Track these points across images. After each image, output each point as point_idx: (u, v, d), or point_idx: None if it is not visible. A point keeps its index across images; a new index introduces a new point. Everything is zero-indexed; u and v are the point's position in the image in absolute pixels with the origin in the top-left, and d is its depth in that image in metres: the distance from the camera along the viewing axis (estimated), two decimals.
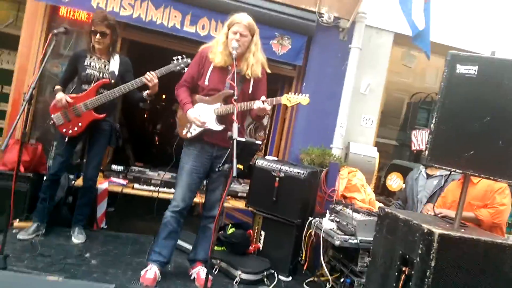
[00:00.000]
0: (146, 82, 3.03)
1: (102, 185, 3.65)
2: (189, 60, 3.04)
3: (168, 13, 4.09)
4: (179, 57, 3.08)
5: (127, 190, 3.76)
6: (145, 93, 3.16)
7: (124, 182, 3.83)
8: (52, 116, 3.09)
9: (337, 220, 3.04)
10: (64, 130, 3.09)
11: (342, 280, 2.92)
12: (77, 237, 3.21)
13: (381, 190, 5.41)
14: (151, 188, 3.83)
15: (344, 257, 3.01)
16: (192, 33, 4.14)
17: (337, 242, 2.79)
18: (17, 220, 3.28)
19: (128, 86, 3.06)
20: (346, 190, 3.74)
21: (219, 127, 2.73)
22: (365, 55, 4.51)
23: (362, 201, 3.70)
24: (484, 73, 2.16)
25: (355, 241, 2.80)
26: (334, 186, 3.63)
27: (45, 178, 3.22)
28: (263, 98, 2.66)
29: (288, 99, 2.71)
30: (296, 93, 2.75)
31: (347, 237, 2.83)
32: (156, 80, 3.04)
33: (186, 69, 2.99)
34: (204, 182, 3.00)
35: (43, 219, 3.19)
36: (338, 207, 3.15)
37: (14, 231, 3.11)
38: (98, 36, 3.09)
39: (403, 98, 7.52)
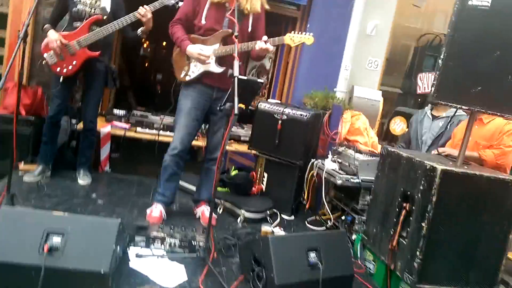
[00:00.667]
0: (139, 17, 2.90)
1: (105, 128, 3.65)
2: None
3: None
4: None
5: (130, 134, 3.76)
6: (139, 30, 3.05)
7: (127, 126, 3.82)
8: (45, 55, 2.98)
9: (339, 161, 3.06)
10: (58, 69, 2.99)
11: (343, 218, 2.98)
12: (83, 179, 3.25)
13: (384, 136, 5.41)
14: (154, 131, 3.82)
15: (346, 196, 3.06)
16: None
17: (339, 182, 2.82)
18: (22, 162, 3.31)
19: (121, 22, 2.92)
20: (349, 134, 3.73)
21: (219, 69, 2.65)
22: None
23: (364, 144, 3.70)
24: (498, 5, 2.06)
25: (357, 180, 2.83)
26: (337, 128, 3.62)
27: (46, 121, 3.20)
28: (265, 38, 2.56)
29: (292, 38, 2.61)
30: (300, 32, 2.65)
31: (349, 176, 2.86)
32: (149, 15, 2.91)
33: (180, 3, 2.84)
34: (206, 126, 2.97)
35: (47, 162, 3.22)
36: (341, 148, 3.16)
37: (19, 173, 3.15)
38: None
39: (410, 44, 7.30)
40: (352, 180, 2.83)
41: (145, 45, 9.14)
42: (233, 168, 3.48)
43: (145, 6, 2.90)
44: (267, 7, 2.76)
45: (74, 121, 3.68)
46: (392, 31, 4.68)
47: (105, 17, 2.99)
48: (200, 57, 2.60)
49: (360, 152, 3.03)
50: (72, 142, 3.66)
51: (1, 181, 3.01)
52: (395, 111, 5.47)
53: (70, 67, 2.98)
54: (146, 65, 9.28)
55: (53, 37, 2.89)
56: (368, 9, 4.35)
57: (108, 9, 3.03)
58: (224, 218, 3.03)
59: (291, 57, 4.66)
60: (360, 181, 2.82)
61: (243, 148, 4.00)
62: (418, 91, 4.62)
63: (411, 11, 6.14)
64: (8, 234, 1.76)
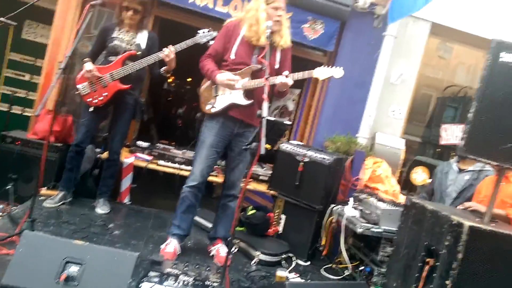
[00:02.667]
0: (163, 56, 3.01)
1: (128, 159, 3.71)
2: (215, 33, 2.99)
3: None
4: (205, 29, 3.04)
5: (152, 166, 3.80)
6: (162, 69, 3.15)
7: (149, 158, 3.87)
8: (78, 86, 3.12)
9: (361, 208, 2.99)
10: (89, 99, 3.11)
11: (361, 268, 2.88)
12: (102, 208, 3.27)
13: (403, 185, 5.30)
14: (176, 165, 3.85)
15: (365, 245, 2.97)
16: (224, 13, 4.10)
17: (359, 230, 2.75)
18: (45, 188, 3.37)
19: (148, 60, 3.04)
20: (370, 180, 3.68)
21: (246, 101, 2.69)
22: (399, 44, 4.38)
23: (385, 192, 3.64)
24: None
25: (378, 229, 2.75)
26: (358, 175, 3.58)
27: (70, 148, 3.28)
28: (286, 72, 2.61)
29: (321, 71, 2.61)
30: (329, 66, 2.66)
31: (370, 225, 2.79)
32: (172, 55, 3.01)
33: (212, 42, 2.93)
34: (222, 163, 2.98)
35: (69, 189, 3.27)
36: (362, 196, 3.10)
37: (41, 198, 3.19)
38: (130, 12, 3.10)
39: (431, 94, 7.31)
40: (373, 229, 2.76)
41: (170, 80, 9.43)
42: (250, 207, 3.45)
43: (170, 46, 3.02)
44: (289, 46, 2.82)
45: (98, 150, 3.76)
46: (417, 78, 4.72)
47: (139, 53, 3.13)
48: (230, 82, 2.64)
49: (382, 200, 2.97)
50: (95, 171, 3.72)
51: (24, 205, 3.07)
52: (414, 160, 5.38)
53: (101, 98, 3.10)
54: (170, 99, 9.53)
55: (88, 67, 3.04)
56: (394, 57, 4.43)
57: (144, 46, 3.18)
58: (238, 258, 2.97)
59: (314, 100, 4.72)
60: (381, 231, 2.74)
61: (261, 187, 3.98)
62: (441, 142, 4.56)
63: (436, 62, 6.19)
64: (27, 258, 1.77)
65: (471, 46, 4.06)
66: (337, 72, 2.62)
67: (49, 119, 3.42)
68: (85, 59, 3.12)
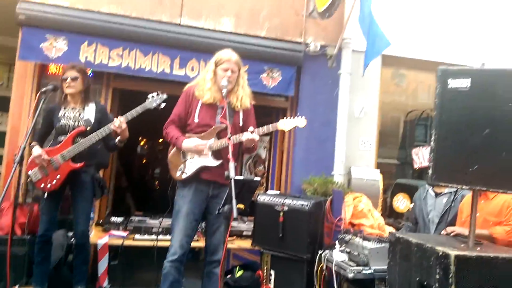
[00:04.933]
0: (114, 128, 2.93)
1: (102, 240, 3.54)
2: (164, 95, 3.00)
3: (157, 59, 4.13)
4: (154, 94, 3.02)
5: (128, 242, 3.63)
6: (117, 140, 3.08)
7: (125, 234, 3.71)
8: (29, 172, 2.98)
9: (348, 250, 2.92)
10: (42, 185, 2.97)
11: None
12: None
13: (389, 213, 5.28)
14: (153, 237, 3.70)
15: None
16: (182, 75, 4.16)
17: (350, 275, 2.66)
18: (17, 286, 3.14)
19: (99, 134, 2.96)
20: (353, 217, 3.63)
21: (216, 162, 2.67)
22: (356, 79, 4.52)
23: (370, 226, 3.59)
24: (477, 85, 2.12)
25: (369, 271, 2.67)
26: (340, 214, 3.53)
27: (36, 240, 3.09)
28: (251, 128, 2.63)
29: (284, 123, 2.71)
30: (292, 117, 2.73)
31: (360, 268, 2.70)
32: (124, 126, 2.95)
33: (162, 105, 2.96)
34: (203, 225, 2.89)
35: (42, 284, 3.05)
36: (347, 237, 3.03)
37: None
38: (68, 80, 3.04)
39: (399, 116, 7.52)
40: (364, 271, 2.68)
41: (142, 143, 9.37)
42: (237, 268, 3.32)
43: (120, 117, 2.96)
44: (253, 102, 2.89)
45: (70, 233, 3.58)
46: (379, 108, 4.85)
47: (88, 128, 3.04)
48: (198, 147, 2.64)
49: (367, 239, 2.91)
50: (69, 257, 3.52)
51: None
52: (395, 184, 5.41)
53: (54, 182, 2.97)
54: (144, 161, 9.42)
55: (36, 152, 2.93)
56: (353, 92, 4.56)
57: (92, 120, 3.10)
58: None
59: (285, 145, 4.74)
60: (372, 271, 2.66)
61: (246, 243, 3.86)
62: (415, 166, 4.63)
63: (394, 88, 6.42)
64: None
65: (422, 71, 4.24)
66: (300, 122, 2.71)
67: (14, 212, 3.28)
68: (32, 143, 3.00)
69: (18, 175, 2.49)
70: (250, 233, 3.98)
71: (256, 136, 2.61)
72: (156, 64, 4.14)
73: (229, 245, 2.91)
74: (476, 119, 2.11)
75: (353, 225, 3.59)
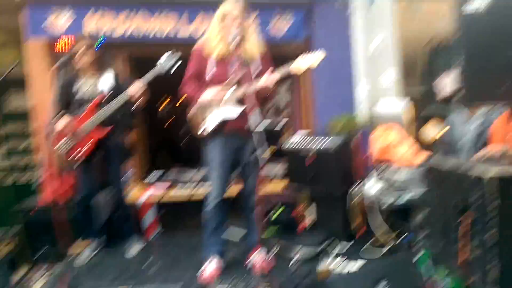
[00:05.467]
0: (131, 94, 3.01)
1: (144, 195, 3.72)
2: (177, 54, 3.00)
3: (164, 19, 4.05)
4: (166, 54, 3.03)
5: (169, 194, 3.82)
6: (136, 103, 3.14)
7: (164, 187, 3.88)
8: (58, 144, 3.11)
9: (382, 182, 2.99)
10: (73, 154, 3.12)
11: (400, 239, 2.88)
12: (132, 250, 3.30)
13: (419, 143, 5.28)
14: (192, 186, 3.87)
15: (397, 216, 2.97)
16: (190, 34, 4.09)
17: (386, 204, 2.75)
18: (72, 246, 3.38)
19: (117, 102, 3.04)
20: (383, 150, 3.65)
21: (236, 113, 2.68)
22: (370, 14, 4.36)
23: (402, 157, 3.61)
24: (494, 7, 2.05)
25: (405, 199, 2.75)
26: (369, 150, 3.57)
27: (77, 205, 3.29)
28: (265, 76, 2.59)
29: (297, 65, 2.53)
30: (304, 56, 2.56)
31: (396, 197, 2.78)
32: (140, 91, 3.01)
33: (176, 64, 2.96)
34: (236, 172, 2.98)
35: (95, 239, 3.32)
36: (380, 169, 3.10)
37: (72, 257, 3.21)
38: (78, 52, 3.09)
39: (419, 47, 7.31)
40: (400, 201, 2.76)
41: (167, 101, 9.40)
42: (275, 208, 3.45)
43: (135, 83, 3.01)
44: (263, 50, 2.80)
45: (109, 194, 3.76)
46: (398, 41, 4.71)
47: (106, 97, 3.11)
48: (217, 96, 2.64)
49: (401, 168, 2.97)
50: (113, 216, 3.73)
51: (58, 266, 3.08)
52: (420, 116, 5.37)
53: (83, 150, 3.10)
54: (171, 119, 9.51)
55: (63, 123, 3.03)
56: (368, 28, 4.41)
57: (110, 88, 3.16)
58: (279, 261, 2.96)
59: (306, 87, 4.71)
60: (408, 199, 2.74)
61: (279, 185, 3.99)
62: (439, 97, 4.55)
63: (410, 21, 6.17)
64: None
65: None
66: (315, 58, 2.53)
67: (55, 182, 3.46)
68: (56, 117, 3.07)
69: (52, 147, 2.59)
70: (281, 175, 4.10)
71: (269, 83, 2.57)
72: (162, 25, 4.06)
73: (262, 190, 3.02)
74: (499, 40, 2.06)
75: (384, 157, 3.62)
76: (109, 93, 3.13)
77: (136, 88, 3.00)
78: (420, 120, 5.14)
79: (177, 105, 9.20)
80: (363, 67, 4.30)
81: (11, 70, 2.81)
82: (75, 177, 3.65)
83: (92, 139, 3.09)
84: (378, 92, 4.54)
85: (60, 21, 3.85)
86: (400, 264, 2.12)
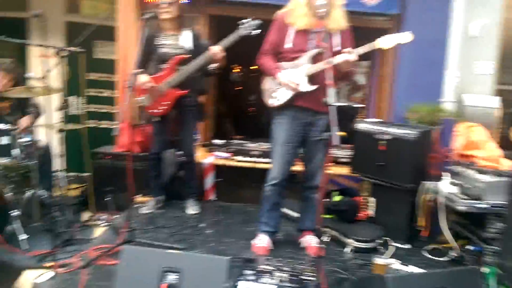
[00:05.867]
0: (212, 55, 2.98)
1: (207, 159, 3.81)
2: (256, 22, 2.91)
3: None
4: (244, 20, 2.94)
5: (231, 163, 3.88)
6: (212, 66, 3.15)
7: (227, 155, 3.94)
8: (139, 99, 3.20)
9: (459, 182, 2.74)
10: (152, 110, 3.20)
11: (468, 247, 2.64)
12: (192, 209, 3.42)
13: (506, 145, 4.76)
14: (253, 159, 3.89)
15: (470, 222, 2.72)
16: None
17: (461, 208, 2.51)
18: (139, 195, 3.59)
19: (198, 62, 3.03)
20: (465, 148, 3.33)
21: (311, 88, 2.57)
22: None
23: (485, 159, 3.26)
24: None
25: (484, 205, 2.49)
26: (450, 144, 3.28)
27: (148, 157, 3.42)
28: (348, 49, 2.43)
29: (384, 41, 2.41)
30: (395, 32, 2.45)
31: (473, 201, 2.53)
32: (221, 54, 2.98)
33: (254, 31, 2.87)
34: (301, 151, 2.89)
35: (159, 194, 3.47)
36: (459, 168, 2.83)
37: (137, 205, 3.42)
38: (164, 4, 3.06)
39: None
40: (477, 205, 2.50)
41: (236, 70, 9.48)
42: (336, 193, 3.34)
43: (216, 46, 2.98)
44: (349, 24, 2.64)
45: (180, 152, 3.90)
46: (502, 26, 4.17)
47: (187, 56, 3.12)
48: (290, 84, 2.58)
49: (482, 171, 2.68)
50: (180, 173, 3.88)
51: (123, 214, 3.30)
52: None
53: (162, 107, 3.17)
54: (238, 88, 9.60)
55: (143, 79, 3.08)
56: (470, 8, 3.94)
57: (190, 47, 3.17)
58: (332, 247, 2.90)
59: (386, 69, 4.39)
60: (487, 206, 2.48)
61: (343, 170, 3.84)
62: None
63: None
64: (130, 272, 1.88)
65: None
66: (403, 37, 2.40)
67: (130, 132, 3.64)
68: (135, 71, 3.04)
69: (132, 99, 2.69)
70: (346, 159, 3.94)
71: (352, 56, 2.41)
72: None
73: (327, 171, 2.92)
74: None
75: (464, 156, 3.31)
76: (190, 52, 3.15)
77: (217, 51, 2.99)
78: (508, 121, 4.60)
79: (249, 74, 9.26)
80: (457, 52, 3.88)
81: (103, 20, 2.94)
82: (150, 131, 3.85)
83: (170, 97, 3.16)
84: (470, 82, 4.10)
85: None
86: (467, 279, 1.93)
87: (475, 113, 3.75)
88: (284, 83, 2.60)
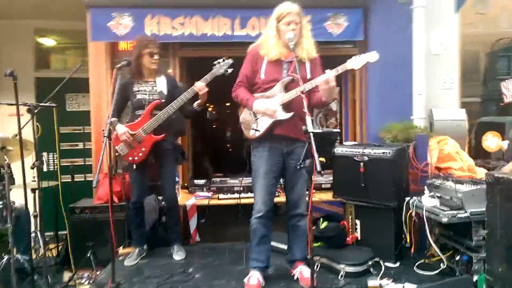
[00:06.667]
0: (198, 91, 3.05)
1: (190, 201, 3.76)
2: (230, 61, 3.05)
3: (217, 22, 4.09)
4: (220, 60, 3.08)
5: (213, 202, 3.83)
6: (195, 104, 3.19)
7: (209, 194, 3.90)
8: (116, 148, 3.18)
9: (439, 195, 2.78)
10: (130, 158, 3.17)
11: (457, 258, 2.66)
12: (178, 254, 3.32)
13: (475, 154, 4.92)
14: (235, 195, 3.87)
15: (454, 233, 2.74)
16: (244, 35, 4.09)
17: (444, 219, 2.54)
18: (121, 247, 3.48)
19: (178, 102, 3.08)
20: (440, 161, 3.43)
21: (287, 115, 2.62)
22: (431, 12, 4.10)
23: (460, 169, 3.37)
24: None
25: (465, 214, 2.53)
26: (425, 160, 3.35)
27: (129, 207, 3.36)
28: (324, 75, 2.49)
29: (354, 61, 2.52)
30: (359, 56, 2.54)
31: (455, 212, 2.57)
32: (206, 89, 3.06)
33: (229, 70, 3.00)
34: (281, 181, 2.90)
35: (142, 244, 3.36)
36: (437, 182, 2.88)
37: (120, 258, 3.29)
38: (156, 57, 3.16)
39: (478, 50, 6.83)
40: (459, 215, 2.54)
41: (210, 109, 9.58)
42: (321, 220, 3.33)
43: (198, 82, 3.06)
44: (318, 53, 2.76)
45: (160, 197, 3.84)
46: (460, 42, 4.40)
47: (163, 100, 3.15)
48: (267, 112, 2.62)
49: (460, 182, 2.74)
50: (162, 218, 3.80)
51: (106, 268, 3.18)
52: (479, 123, 4.99)
53: (140, 154, 3.15)
54: (214, 126, 9.68)
55: (121, 131, 3.08)
56: (429, 27, 4.15)
57: (166, 92, 3.22)
58: (324, 275, 2.85)
59: (357, 93, 4.54)
60: (468, 215, 2.52)
61: (327, 196, 3.86)
62: (506, 101, 4.19)
63: (474, 18, 5.77)
64: None
65: None
66: (370, 56, 2.51)
67: (109, 183, 3.57)
68: (112, 120, 2.96)
69: (109, 149, 2.67)
70: (329, 185, 3.97)
71: (331, 76, 2.46)
72: (217, 27, 4.10)
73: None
74: None
75: (440, 169, 3.39)
76: (166, 97, 3.19)
77: (202, 86, 3.06)
78: (478, 128, 4.78)
79: (223, 111, 9.37)
80: (421, 70, 4.04)
81: (75, 71, 2.95)
82: (127, 180, 3.78)
83: (148, 143, 3.14)
84: (437, 96, 4.25)
85: (120, 25, 4.00)
86: (459, 286, 1.93)
87: (444, 127, 3.89)
88: (261, 111, 2.65)
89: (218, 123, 9.49)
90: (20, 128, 2.51)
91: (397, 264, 2.99)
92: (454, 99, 4.33)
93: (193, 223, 3.76)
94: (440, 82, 4.33)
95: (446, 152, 3.46)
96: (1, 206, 3.01)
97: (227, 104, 9.28)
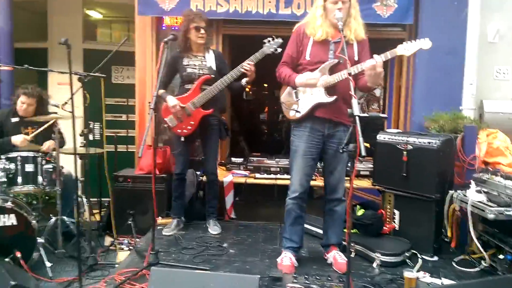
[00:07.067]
0: (245, 71, 3.08)
1: (227, 178, 3.81)
2: (280, 40, 3.02)
3: (262, 0, 4.03)
4: (269, 38, 3.06)
5: (250, 180, 3.87)
6: (243, 81, 3.21)
7: (246, 173, 3.94)
8: (166, 119, 3.26)
9: (486, 190, 2.67)
10: (179, 130, 3.24)
11: (500, 256, 2.56)
12: (213, 229, 3.40)
13: None
14: (271, 176, 3.89)
15: (500, 231, 2.63)
16: (288, 14, 4.02)
17: (490, 216, 2.44)
18: (160, 217, 3.59)
19: (228, 78, 3.11)
20: (488, 155, 3.28)
21: (330, 98, 2.57)
22: None
23: (509, 165, 3.21)
24: None
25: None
26: (473, 152, 3.21)
27: (173, 178, 3.45)
28: (372, 60, 2.38)
29: (405, 48, 2.41)
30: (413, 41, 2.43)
31: (502, 208, 2.46)
32: (253, 68, 3.08)
33: (278, 49, 2.97)
34: (319, 165, 2.87)
35: (180, 215, 3.46)
36: (485, 176, 2.76)
37: (158, 227, 3.40)
38: (202, 31, 3.19)
39: None
40: (506, 212, 2.43)
41: (247, 89, 9.59)
42: (358, 207, 3.29)
43: (248, 61, 3.08)
44: (367, 35, 2.66)
45: (198, 173, 3.92)
46: None
47: (212, 76, 3.19)
48: (310, 81, 2.58)
49: (509, 178, 2.61)
50: (200, 193, 3.89)
51: (145, 236, 3.30)
52: None
53: (189, 127, 3.22)
54: (252, 108, 9.70)
55: (172, 102, 3.16)
56: (485, 14, 3.91)
57: (214, 67, 3.25)
58: (358, 262, 2.83)
59: (403, 79, 4.38)
60: None
61: (364, 183, 3.80)
62: None
63: None
64: None
65: None
66: (423, 43, 2.40)
67: (151, 154, 3.67)
68: (161, 92, 3.12)
69: (154, 122, 2.73)
70: (367, 173, 3.90)
71: (379, 60, 2.36)
72: (262, 5, 4.05)
73: (347, 185, 2.88)
74: None
75: (487, 164, 3.25)
76: (214, 72, 3.23)
77: (250, 65, 3.08)
78: None
79: (260, 93, 9.36)
80: (474, 58, 3.83)
81: (121, 44, 3.03)
82: (169, 152, 3.88)
83: (196, 117, 3.21)
84: (489, 88, 4.04)
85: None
86: (501, 286, 1.86)
87: (495, 119, 3.69)
88: (303, 82, 2.61)
89: (255, 104, 9.50)
90: (72, 95, 2.59)
91: (435, 258, 2.91)
92: (507, 91, 4.09)
93: (229, 199, 3.82)
94: (493, 72, 4.10)
95: (495, 146, 3.30)
96: (51, 170, 3.15)
97: (265, 85, 9.26)
